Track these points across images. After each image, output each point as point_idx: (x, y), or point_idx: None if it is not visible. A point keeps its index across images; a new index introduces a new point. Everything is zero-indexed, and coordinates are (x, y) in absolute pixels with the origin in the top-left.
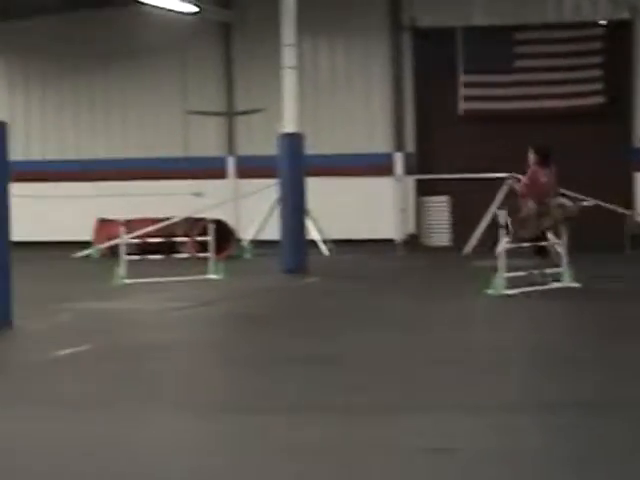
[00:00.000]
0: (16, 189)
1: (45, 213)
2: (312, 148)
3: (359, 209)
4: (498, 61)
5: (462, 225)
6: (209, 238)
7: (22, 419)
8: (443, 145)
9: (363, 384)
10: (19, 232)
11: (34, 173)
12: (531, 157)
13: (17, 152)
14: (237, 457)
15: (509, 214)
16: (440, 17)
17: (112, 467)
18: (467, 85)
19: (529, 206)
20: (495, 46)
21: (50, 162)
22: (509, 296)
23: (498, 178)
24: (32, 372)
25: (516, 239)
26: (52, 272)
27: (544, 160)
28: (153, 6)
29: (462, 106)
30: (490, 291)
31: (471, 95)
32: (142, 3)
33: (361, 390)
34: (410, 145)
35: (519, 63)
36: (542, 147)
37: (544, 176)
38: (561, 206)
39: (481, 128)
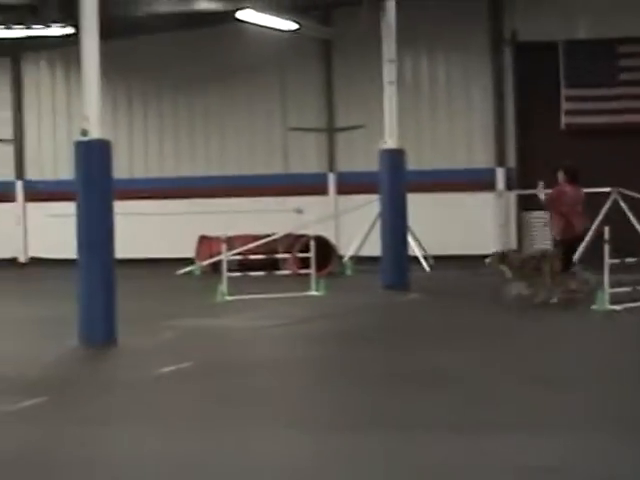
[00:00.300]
0: (120, 207)
1: (148, 230)
2: (413, 164)
3: (460, 225)
4: (601, 74)
5: None
6: (310, 255)
7: (127, 437)
8: (545, 159)
9: (467, 402)
10: (123, 249)
11: (137, 191)
12: (560, 176)
13: (121, 170)
14: (345, 476)
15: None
16: (542, 31)
17: None
18: (569, 99)
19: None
20: (598, 59)
21: (152, 180)
22: (613, 312)
23: (601, 192)
24: (136, 390)
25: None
26: (155, 289)
27: (572, 179)
28: (253, 24)
29: (564, 120)
30: (594, 307)
31: (574, 109)
32: (242, 21)
33: (466, 408)
34: (511, 160)
35: (623, 76)
36: (570, 167)
37: (571, 194)
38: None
39: (584, 142)
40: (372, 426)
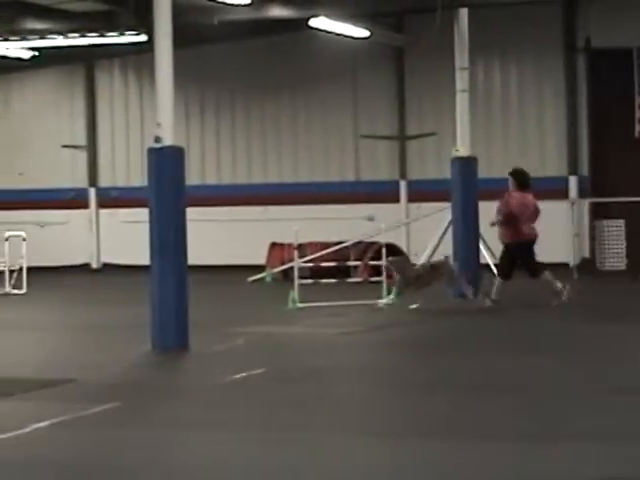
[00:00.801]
0: (191, 213)
1: (219, 237)
2: (484, 171)
3: None
4: None
5: (638, 249)
6: (382, 262)
7: (199, 442)
8: (618, 167)
9: (541, 410)
10: (194, 256)
11: (209, 198)
12: (510, 182)
13: (193, 177)
14: None
15: None
16: (616, 38)
17: None
18: None
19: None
20: None
21: (224, 187)
22: None
23: None
24: (208, 396)
25: None
26: (227, 296)
27: (521, 185)
28: (326, 31)
29: (638, 128)
30: None
31: None
32: (315, 29)
33: (540, 416)
34: (585, 168)
35: None
36: (518, 172)
37: (518, 200)
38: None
39: None
40: (445, 434)
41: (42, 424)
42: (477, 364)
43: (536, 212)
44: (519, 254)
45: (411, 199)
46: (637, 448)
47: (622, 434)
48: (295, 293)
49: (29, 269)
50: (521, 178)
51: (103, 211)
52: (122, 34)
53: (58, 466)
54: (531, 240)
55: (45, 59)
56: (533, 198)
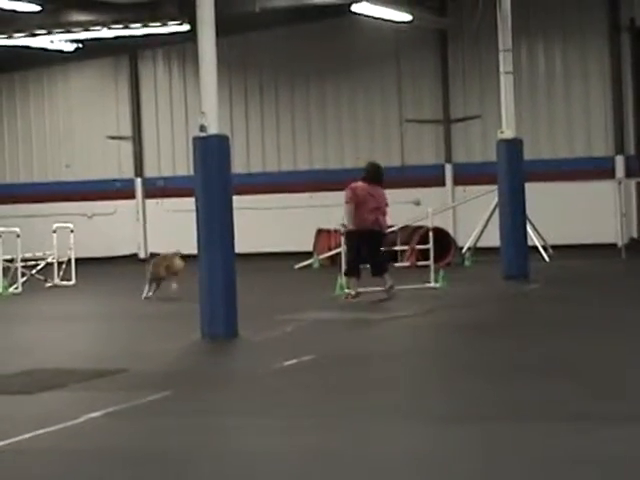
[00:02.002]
0: (238, 202)
1: (266, 225)
2: (530, 153)
3: (580, 214)
4: None
5: None
6: (429, 246)
7: (251, 428)
8: None
9: (592, 392)
10: (242, 244)
11: (254, 185)
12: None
13: (238, 165)
14: (471, 466)
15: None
16: None
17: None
18: None
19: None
20: None
21: (269, 174)
22: None
23: None
24: (258, 382)
25: None
26: (274, 283)
27: (367, 178)
28: (368, 16)
29: None
30: None
31: None
32: (357, 14)
33: (591, 398)
34: (631, 147)
35: None
36: (368, 166)
37: (362, 190)
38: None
39: None
40: (497, 417)
41: (95, 414)
42: (526, 346)
43: (383, 204)
44: (364, 244)
45: (457, 183)
46: None
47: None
48: (342, 279)
49: (77, 260)
50: (371, 172)
51: (149, 201)
52: (165, 24)
53: (113, 454)
54: (376, 231)
55: (89, 51)
56: (382, 192)
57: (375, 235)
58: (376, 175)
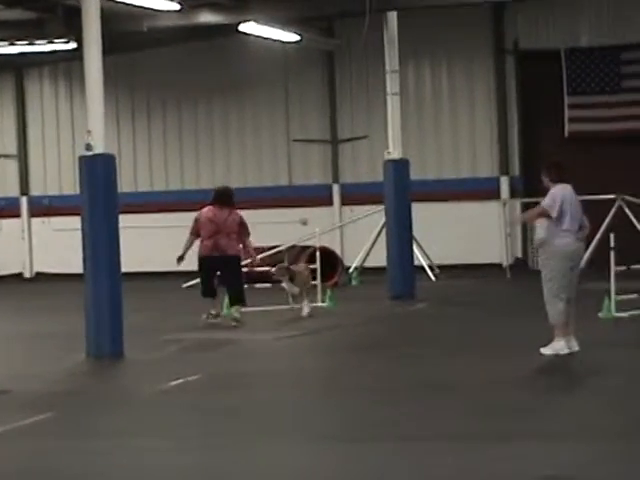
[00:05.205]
0: (124, 220)
1: (154, 244)
2: (417, 173)
3: (465, 234)
4: (604, 82)
5: None
6: (316, 266)
7: (134, 450)
8: None
9: (476, 411)
10: (128, 263)
11: (141, 205)
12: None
13: (125, 184)
14: None
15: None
16: (544, 39)
17: None
18: (572, 107)
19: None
20: (601, 67)
21: (157, 193)
22: (620, 319)
23: (607, 200)
24: (143, 403)
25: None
26: (162, 302)
27: (217, 200)
28: (256, 36)
29: (568, 128)
30: (601, 314)
31: (577, 116)
32: (245, 33)
33: (475, 417)
34: (516, 168)
35: (625, 83)
36: (219, 189)
37: (206, 215)
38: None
39: (587, 149)
40: (382, 437)
41: None
42: (412, 366)
43: (227, 227)
44: (212, 270)
45: (344, 202)
46: (566, 446)
47: (554, 433)
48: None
49: None
50: (216, 195)
51: (35, 220)
52: (51, 42)
53: None
54: (216, 256)
55: None
56: (233, 214)
57: (215, 260)
58: (221, 197)
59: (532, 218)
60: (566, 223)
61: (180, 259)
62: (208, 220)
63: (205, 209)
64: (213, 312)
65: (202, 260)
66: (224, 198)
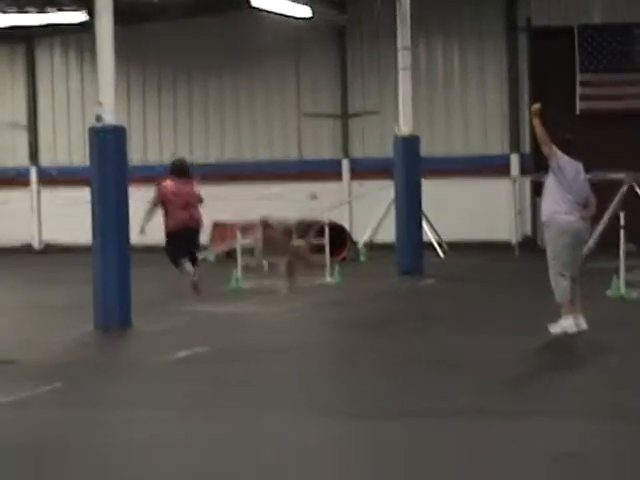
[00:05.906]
0: (134, 193)
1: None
2: (427, 150)
3: (475, 211)
4: (616, 59)
5: None
6: (324, 241)
7: (144, 421)
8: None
9: (485, 386)
10: (138, 235)
11: (151, 178)
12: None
13: (134, 156)
14: (362, 461)
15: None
16: (556, 16)
17: (233, 468)
18: (584, 84)
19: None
20: (613, 44)
21: (166, 166)
22: (629, 298)
23: (617, 178)
24: (151, 374)
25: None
26: (169, 275)
27: (177, 173)
28: (268, 11)
29: (579, 105)
30: (609, 292)
31: (589, 94)
32: (257, 9)
33: (485, 393)
34: (527, 146)
35: (638, 61)
36: (174, 162)
37: (170, 188)
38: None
39: (599, 127)
40: (386, 412)
41: None
42: (419, 341)
43: (192, 199)
44: (185, 240)
45: (354, 177)
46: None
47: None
48: (238, 272)
49: None
50: (174, 168)
51: (44, 190)
52: (61, 10)
53: (2, 447)
54: (190, 227)
55: None
56: (192, 185)
57: (192, 231)
58: (181, 170)
59: (537, 127)
60: (570, 201)
61: (142, 231)
62: (174, 195)
63: (168, 183)
64: (195, 278)
65: (179, 231)
66: (184, 170)
